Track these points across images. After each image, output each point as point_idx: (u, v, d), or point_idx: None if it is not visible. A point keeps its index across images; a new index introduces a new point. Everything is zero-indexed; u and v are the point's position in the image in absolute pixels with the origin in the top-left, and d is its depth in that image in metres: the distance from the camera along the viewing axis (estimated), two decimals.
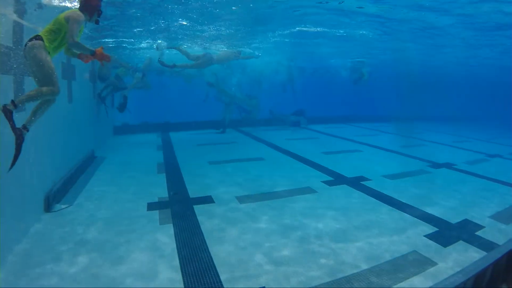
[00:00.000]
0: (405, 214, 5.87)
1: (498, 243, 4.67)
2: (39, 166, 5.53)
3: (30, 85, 4.34)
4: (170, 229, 5.06)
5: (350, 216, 5.71)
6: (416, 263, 4.19)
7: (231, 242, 4.68)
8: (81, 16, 4.19)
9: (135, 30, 10.35)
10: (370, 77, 19.44)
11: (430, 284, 3.67)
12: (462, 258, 4.33)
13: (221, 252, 4.39)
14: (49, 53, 4.09)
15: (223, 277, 3.83)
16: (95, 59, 4.45)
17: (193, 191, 6.86)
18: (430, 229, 5.24)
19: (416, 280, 3.82)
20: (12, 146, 3.85)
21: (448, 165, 9.63)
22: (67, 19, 4.13)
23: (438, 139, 14.95)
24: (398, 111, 24.64)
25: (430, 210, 6.09)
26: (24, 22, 4.88)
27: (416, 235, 5.00)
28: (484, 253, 4.37)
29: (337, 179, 7.92)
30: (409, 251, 4.50)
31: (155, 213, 5.67)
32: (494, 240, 4.89)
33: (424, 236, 4.98)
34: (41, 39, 4.02)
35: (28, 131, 4.00)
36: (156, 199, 6.36)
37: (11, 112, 3.84)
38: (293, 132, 16.38)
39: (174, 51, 11.68)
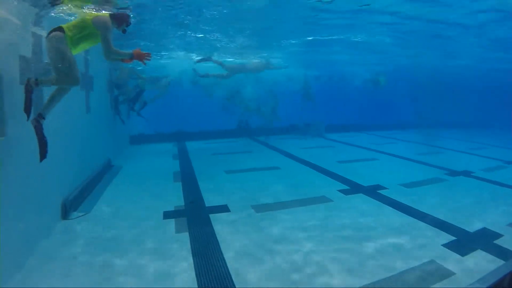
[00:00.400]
0: (421, 222, 5.81)
1: None
2: (57, 173, 5.68)
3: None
4: (185, 237, 5.11)
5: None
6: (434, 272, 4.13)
7: (244, 251, 4.69)
8: (109, 22, 4.41)
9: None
10: (386, 84, 19.45)
11: None
12: (480, 267, 4.24)
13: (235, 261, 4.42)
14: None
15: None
16: (136, 60, 4.64)
17: (209, 200, 6.91)
18: (447, 238, 5.16)
19: None
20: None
21: (466, 173, 9.46)
22: (96, 24, 4.34)
23: (454, 146, 14.75)
24: (413, 118, 24.46)
25: (445, 217, 6.04)
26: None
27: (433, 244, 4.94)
28: (502, 262, 4.33)
29: (353, 188, 7.87)
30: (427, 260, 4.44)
31: (171, 222, 5.73)
32: None
33: (441, 245, 4.90)
34: (63, 32, 4.19)
35: (44, 119, 4.17)
36: (172, 208, 6.43)
37: (32, 89, 4.09)
38: (308, 141, 16.33)
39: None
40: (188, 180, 8.51)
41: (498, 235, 5.28)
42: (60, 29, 4.20)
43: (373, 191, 7.60)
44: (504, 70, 20.48)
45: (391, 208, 6.54)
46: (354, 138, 17.69)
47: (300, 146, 14.37)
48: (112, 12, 4.71)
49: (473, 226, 5.66)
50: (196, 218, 5.95)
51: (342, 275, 4.04)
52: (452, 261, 4.39)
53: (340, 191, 7.60)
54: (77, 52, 4.50)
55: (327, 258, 4.46)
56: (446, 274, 4.09)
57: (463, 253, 4.63)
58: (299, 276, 4.04)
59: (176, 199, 6.99)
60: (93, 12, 4.72)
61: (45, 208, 5.22)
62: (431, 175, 9.20)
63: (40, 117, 4.14)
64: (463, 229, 5.52)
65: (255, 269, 4.18)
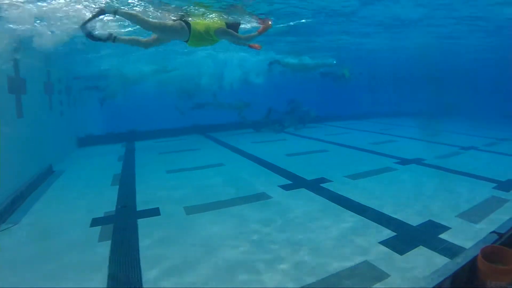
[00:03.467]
0: (358, 216, 5.73)
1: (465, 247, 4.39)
2: None
3: None
4: (107, 247, 4.81)
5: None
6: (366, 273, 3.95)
7: (167, 260, 4.43)
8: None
9: None
10: (352, 76, 19.76)
11: None
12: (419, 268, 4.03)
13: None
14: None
15: None
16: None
17: (142, 203, 6.64)
18: (387, 234, 4.99)
19: None
20: None
21: (418, 161, 9.54)
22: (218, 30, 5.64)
23: (411, 134, 15.02)
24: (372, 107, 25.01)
25: (386, 210, 5.97)
26: None
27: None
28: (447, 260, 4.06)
29: (296, 183, 7.75)
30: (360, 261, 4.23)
31: (97, 229, 5.44)
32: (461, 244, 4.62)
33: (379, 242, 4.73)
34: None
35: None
36: (102, 214, 6.13)
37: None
38: (264, 135, 16.04)
39: None
40: (126, 183, 8.18)
41: (445, 228, 5.19)
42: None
43: (316, 185, 7.50)
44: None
45: (331, 202, 6.43)
46: (307, 130, 17.58)
47: (253, 141, 14.19)
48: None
49: (416, 219, 5.56)
50: (123, 224, 5.67)
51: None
52: (387, 262, 4.19)
53: (282, 186, 7.46)
54: None
55: (256, 261, 4.32)
56: (379, 276, 3.89)
57: (401, 251, 4.47)
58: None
59: (109, 204, 6.66)
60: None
61: None
62: (381, 165, 9.21)
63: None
64: (406, 223, 5.41)
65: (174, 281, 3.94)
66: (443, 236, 4.94)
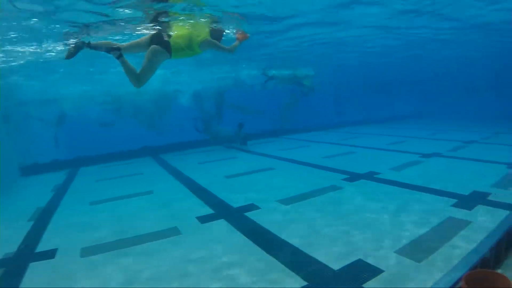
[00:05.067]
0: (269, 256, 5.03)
1: None
2: None
3: None
4: None
5: None
6: None
7: None
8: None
9: None
10: (314, 85, 19.83)
11: None
12: None
13: None
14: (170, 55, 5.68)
15: None
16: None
17: (44, 242, 6.19)
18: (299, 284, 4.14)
19: None
20: None
21: (369, 176, 9.04)
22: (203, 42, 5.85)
23: (372, 143, 14.87)
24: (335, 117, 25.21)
25: (308, 248, 5.35)
26: None
27: None
28: None
29: (218, 212, 7.14)
30: None
31: None
32: None
33: None
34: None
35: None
36: (1, 255, 5.70)
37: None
38: (215, 154, 15.41)
39: None
40: (43, 217, 7.69)
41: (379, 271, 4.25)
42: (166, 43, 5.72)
43: (240, 214, 6.84)
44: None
45: (248, 240, 5.60)
46: (263, 145, 17.25)
47: (200, 161, 13.68)
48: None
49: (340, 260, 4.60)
50: (13, 268, 5.24)
51: None
52: None
53: (199, 218, 6.80)
54: None
55: None
56: None
57: None
58: None
59: (12, 243, 6.21)
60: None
61: None
62: (326, 183, 8.53)
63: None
64: (326, 266, 4.49)
65: None
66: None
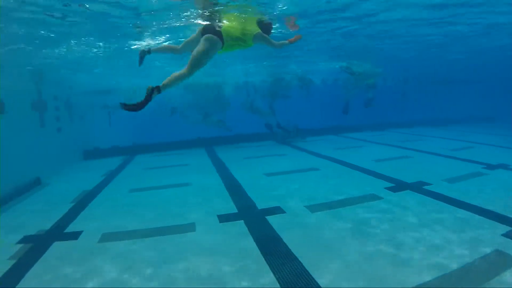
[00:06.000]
0: None
1: None
2: None
3: None
4: None
5: None
6: None
7: None
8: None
9: None
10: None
11: None
12: None
13: None
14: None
15: None
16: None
17: (74, 225, 6.56)
18: None
19: None
20: None
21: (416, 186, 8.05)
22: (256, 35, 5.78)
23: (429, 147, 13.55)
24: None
25: None
26: None
27: None
28: None
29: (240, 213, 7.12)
30: None
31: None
32: None
33: None
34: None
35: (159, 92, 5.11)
36: (34, 232, 6.28)
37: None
38: (266, 149, 15.38)
39: None
40: (84, 201, 8.19)
41: None
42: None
43: (261, 217, 6.43)
44: None
45: (255, 245, 5.28)
46: (318, 143, 16.59)
47: (248, 156, 13.67)
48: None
49: None
50: (40, 244, 5.73)
51: None
52: None
53: (220, 216, 6.54)
54: None
55: None
56: None
57: None
58: None
59: (49, 222, 6.77)
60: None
61: None
62: (367, 190, 7.76)
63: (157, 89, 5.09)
64: None
65: None
66: None
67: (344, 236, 5.47)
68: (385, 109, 24.06)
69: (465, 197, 7.07)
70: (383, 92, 21.46)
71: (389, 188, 7.94)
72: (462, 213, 6.19)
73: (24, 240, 5.97)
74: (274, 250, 5.01)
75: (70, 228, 6.48)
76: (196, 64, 5.38)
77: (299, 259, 4.71)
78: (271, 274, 4.33)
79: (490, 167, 9.72)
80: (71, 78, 15.14)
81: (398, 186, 8.13)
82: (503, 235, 5.13)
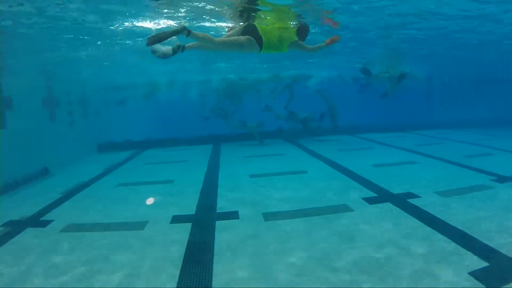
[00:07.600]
0: None
1: None
2: None
3: None
4: None
5: None
6: None
7: None
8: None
9: None
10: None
11: None
12: None
13: None
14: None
15: None
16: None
17: (50, 215, 7.03)
18: None
19: None
20: None
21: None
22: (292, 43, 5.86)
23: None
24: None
25: None
26: None
27: None
28: None
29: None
30: None
31: None
32: None
33: None
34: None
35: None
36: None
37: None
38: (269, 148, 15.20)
39: None
40: (73, 192, 8.72)
41: None
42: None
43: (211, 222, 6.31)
44: None
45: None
46: (325, 143, 16.19)
47: (247, 155, 13.73)
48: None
49: None
50: (14, 229, 6.19)
51: None
52: None
53: (174, 217, 6.58)
54: None
55: None
56: None
57: None
58: None
59: (33, 209, 7.36)
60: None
61: None
62: (336, 200, 7.29)
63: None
64: None
65: None
66: None
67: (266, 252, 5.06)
68: (413, 109, 23.06)
69: (447, 217, 6.04)
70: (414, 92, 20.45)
71: (368, 199, 7.17)
72: (438, 238, 5.20)
73: (6, 224, 6.48)
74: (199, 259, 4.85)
75: (45, 218, 6.94)
76: (227, 47, 5.63)
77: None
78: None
79: (501, 179, 8.39)
80: (84, 74, 15.92)
81: (380, 197, 7.33)
82: (469, 273, 4.05)
